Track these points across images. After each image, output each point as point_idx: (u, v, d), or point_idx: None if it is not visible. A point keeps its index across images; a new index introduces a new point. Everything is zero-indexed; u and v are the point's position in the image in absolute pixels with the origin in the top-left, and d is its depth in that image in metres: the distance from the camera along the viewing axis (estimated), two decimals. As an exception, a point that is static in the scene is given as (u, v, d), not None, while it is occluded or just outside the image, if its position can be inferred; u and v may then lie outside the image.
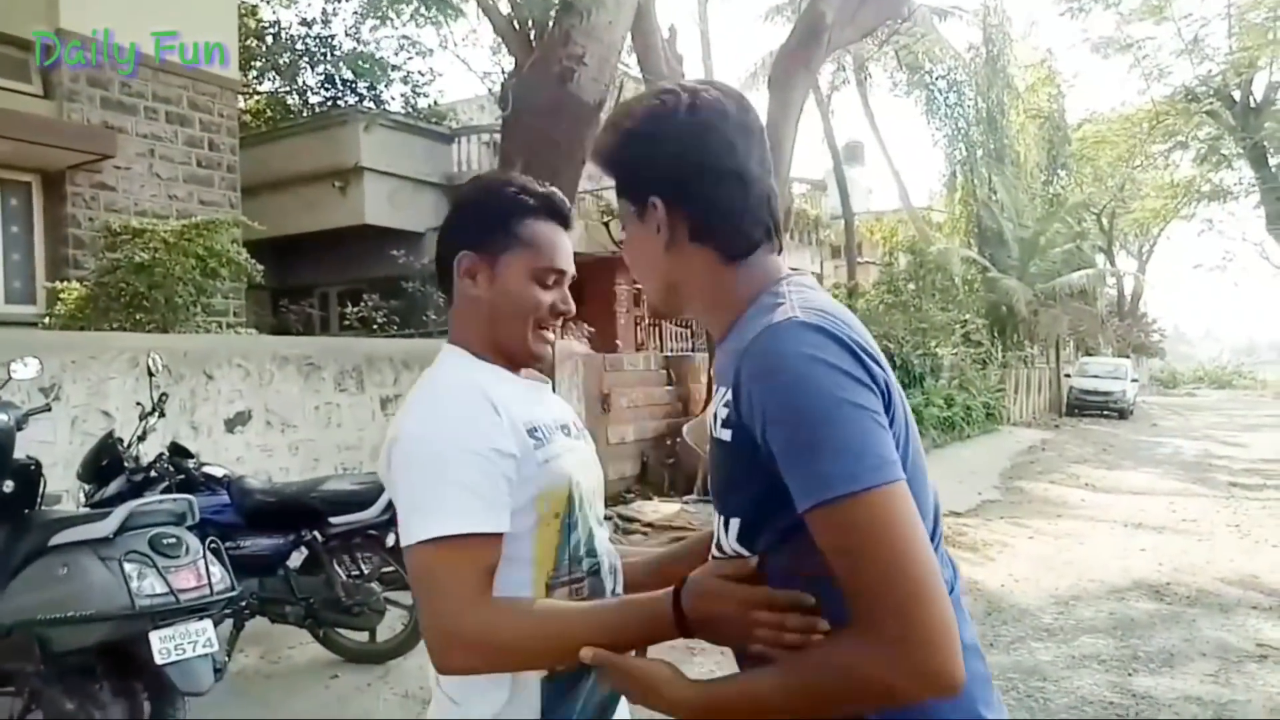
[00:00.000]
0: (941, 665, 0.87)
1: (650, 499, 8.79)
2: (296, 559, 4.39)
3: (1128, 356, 29.66)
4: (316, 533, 4.29)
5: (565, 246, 1.32)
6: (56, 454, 4.65)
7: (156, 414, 4.30)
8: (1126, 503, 9.63)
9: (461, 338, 1.30)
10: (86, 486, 4.10)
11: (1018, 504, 9.69)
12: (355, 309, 9.80)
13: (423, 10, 9.61)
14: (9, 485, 3.15)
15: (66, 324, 6.92)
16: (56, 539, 3.02)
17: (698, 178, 1.07)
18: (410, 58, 14.89)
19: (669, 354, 12.43)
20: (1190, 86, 22.36)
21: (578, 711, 1.21)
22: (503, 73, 11.91)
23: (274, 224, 9.89)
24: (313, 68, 15.17)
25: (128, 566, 2.90)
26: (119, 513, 3.02)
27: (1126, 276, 35.86)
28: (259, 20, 14.68)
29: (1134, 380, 24.60)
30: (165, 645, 2.85)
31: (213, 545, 3.19)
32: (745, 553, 1.04)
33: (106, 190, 8.92)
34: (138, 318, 7.04)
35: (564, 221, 1.33)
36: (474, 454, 1.13)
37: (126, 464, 4.04)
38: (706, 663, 3.64)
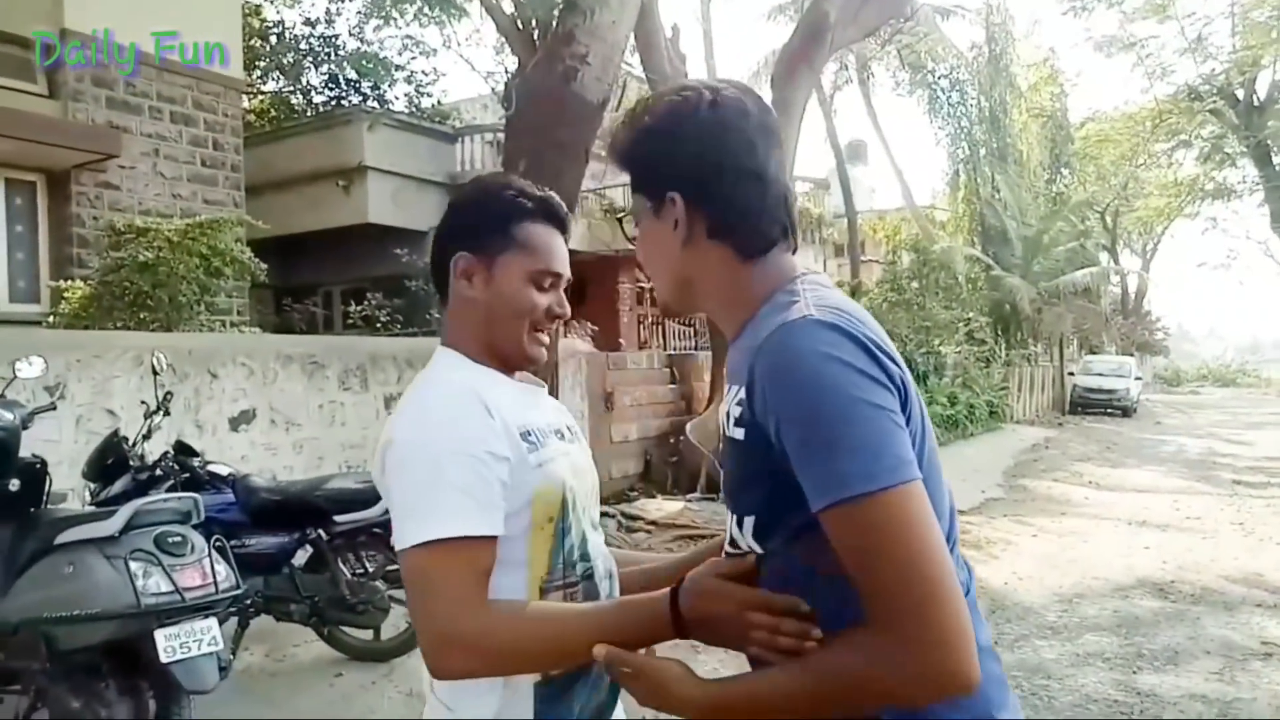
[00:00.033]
0: (957, 666, 0.86)
1: (654, 497, 8.81)
2: (301, 557, 4.38)
3: (1131, 354, 29.60)
4: (321, 531, 4.29)
5: (562, 250, 1.32)
6: (62, 452, 4.66)
7: (161, 413, 4.30)
8: (1130, 501, 9.62)
9: (456, 340, 1.30)
10: (92, 485, 4.10)
11: (1021, 502, 9.67)
12: (359, 308, 9.81)
13: (426, 10, 9.63)
14: (15, 484, 3.15)
15: (71, 323, 6.93)
16: (62, 537, 3.02)
17: (718, 176, 1.06)
18: (414, 57, 15.00)
19: (672, 352, 12.44)
20: (1194, 85, 22.34)
21: (575, 714, 1.20)
22: (506, 72, 11.94)
23: (278, 223, 9.91)
24: (317, 67, 15.21)
25: (133, 565, 2.89)
26: (124, 511, 3.02)
27: (1130, 275, 35.86)
28: (263, 20, 14.70)
29: (1138, 378, 24.52)
30: (170, 643, 2.85)
31: (218, 544, 3.19)
32: (761, 550, 1.03)
33: (111, 189, 8.93)
34: (142, 317, 7.05)
35: (561, 225, 1.32)
36: (468, 457, 1.12)
37: (131, 462, 4.03)
38: (710, 660, 3.63)
